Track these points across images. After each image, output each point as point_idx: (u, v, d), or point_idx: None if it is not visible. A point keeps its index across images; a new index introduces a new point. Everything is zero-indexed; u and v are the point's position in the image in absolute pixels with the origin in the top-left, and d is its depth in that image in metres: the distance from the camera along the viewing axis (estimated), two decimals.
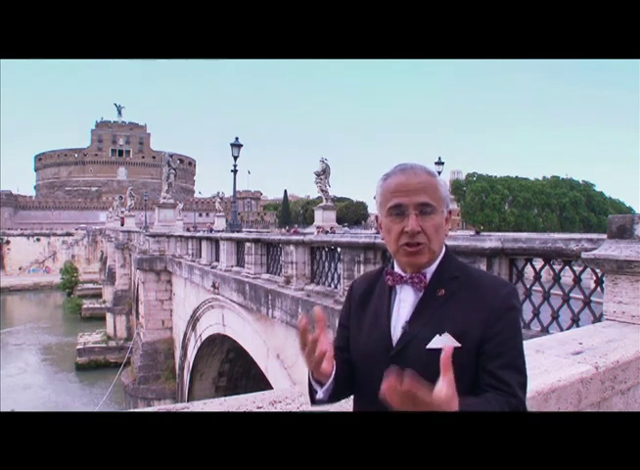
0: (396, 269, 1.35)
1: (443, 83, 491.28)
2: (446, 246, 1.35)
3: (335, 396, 1.30)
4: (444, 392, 0.98)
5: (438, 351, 1.18)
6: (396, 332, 1.29)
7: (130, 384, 20.89)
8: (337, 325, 1.53)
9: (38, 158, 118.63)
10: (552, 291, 4.60)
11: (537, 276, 4.76)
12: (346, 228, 24.93)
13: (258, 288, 10.63)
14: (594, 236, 4.33)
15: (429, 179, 1.28)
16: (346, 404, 1.70)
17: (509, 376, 1.16)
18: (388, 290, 1.35)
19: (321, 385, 1.27)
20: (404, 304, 1.31)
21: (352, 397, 1.42)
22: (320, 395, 1.27)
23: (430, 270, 1.30)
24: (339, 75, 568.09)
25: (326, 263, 8.97)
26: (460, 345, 1.18)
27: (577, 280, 4.41)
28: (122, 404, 22.47)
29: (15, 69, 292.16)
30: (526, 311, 4.55)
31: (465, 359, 1.18)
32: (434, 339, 1.20)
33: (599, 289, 4.06)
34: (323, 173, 23.59)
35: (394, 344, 1.28)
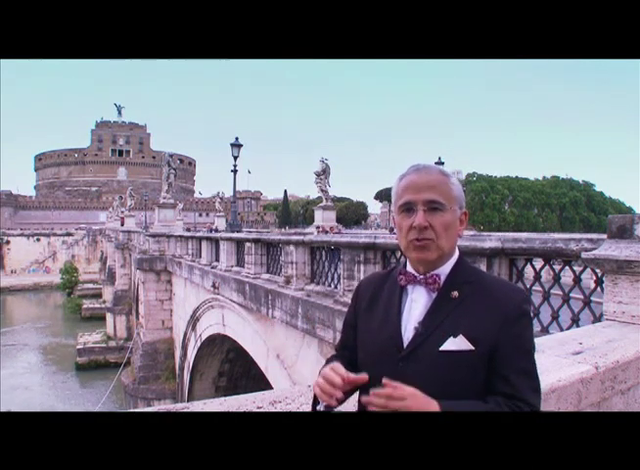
0: (409, 269, 1.35)
1: (444, 83, 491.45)
2: (460, 250, 1.36)
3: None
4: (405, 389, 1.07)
5: (451, 352, 1.19)
6: (407, 332, 1.28)
7: (130, 384, 20.88)
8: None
9: (38, 158, 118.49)
10: (552, 291, 4.60)
11: (537, 276, 4.76)
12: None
13: (258, 288, 10.62)
14: (594, 236, 4.32)
15: (440, 178, 1.30)
16: (347, 404, 1.70)
17: (521, 382, 1.17)
18: (398, 290, 1.35)
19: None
20: (416, 304, 1.30)
21: (356, 396, 1.42)
22: (321, 408, 1.29)
23: (444, 272, 1.30)
24: (339, 75, 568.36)
25: (326, 263, 8.97)
26: (473, 348, 1.19)
27: (577, 280, 4.41)
28: (122, 404, 22.47)
29: (15, 69, 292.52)
30: None
31: (477, 363, 1.19)
32: (448, 341, 1.20)
33: (599, 289, 4.06)
34: (323, 173, 23.58)
35: (405, 344, 1.27)
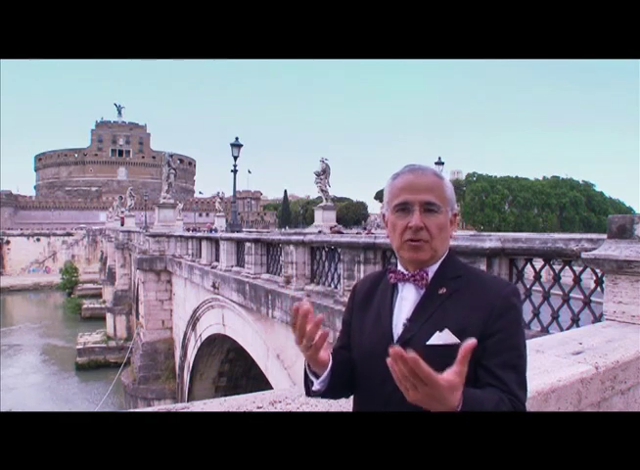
0: (399, 268, 1.37)
1: (443, 83, 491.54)
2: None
3: (331, 390, 1.30)
4: (451, 378, 0.97)
5: (438, 347, 1.20)
6: (397, 329, 1.31)
7: (130, 384, 20.87)
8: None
9: (38, 158, 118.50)
10: (552, 291, 4.60)
11: (537, 276, 4.76)
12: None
13: (258, 288, 10.62)
14: (594, 236, 4.32)
15: (436, 180, 1.32)
16: (346, 404, 1.70)
17: (507, 375, 1.16)
18: (390, 289, 1.37)
19: (317, 376, 1.27)
20: (406, 302, 1.33)
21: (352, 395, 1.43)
22: (317, 386, 1.27)
23: (432, 269, 1.32)
24: (339, 75, 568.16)
25: (326, 263, 8.97)
26: (459, 341, 1.19)
27: (577, 280, 4.41)
28: (122, 404, 22.47)
29: (15, 68, 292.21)
30: (526, 311, 4.54)
31: None
32: (434, 335, 1.22)
33: (599, 289, 4.06)
34: (323, 173, 23.54)
35: (395, 341, 1.29)
